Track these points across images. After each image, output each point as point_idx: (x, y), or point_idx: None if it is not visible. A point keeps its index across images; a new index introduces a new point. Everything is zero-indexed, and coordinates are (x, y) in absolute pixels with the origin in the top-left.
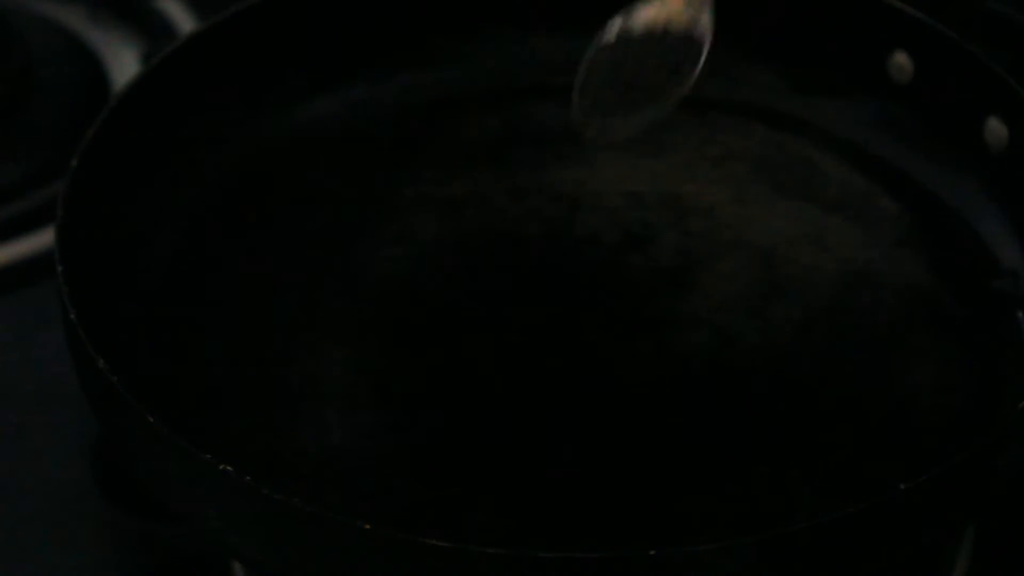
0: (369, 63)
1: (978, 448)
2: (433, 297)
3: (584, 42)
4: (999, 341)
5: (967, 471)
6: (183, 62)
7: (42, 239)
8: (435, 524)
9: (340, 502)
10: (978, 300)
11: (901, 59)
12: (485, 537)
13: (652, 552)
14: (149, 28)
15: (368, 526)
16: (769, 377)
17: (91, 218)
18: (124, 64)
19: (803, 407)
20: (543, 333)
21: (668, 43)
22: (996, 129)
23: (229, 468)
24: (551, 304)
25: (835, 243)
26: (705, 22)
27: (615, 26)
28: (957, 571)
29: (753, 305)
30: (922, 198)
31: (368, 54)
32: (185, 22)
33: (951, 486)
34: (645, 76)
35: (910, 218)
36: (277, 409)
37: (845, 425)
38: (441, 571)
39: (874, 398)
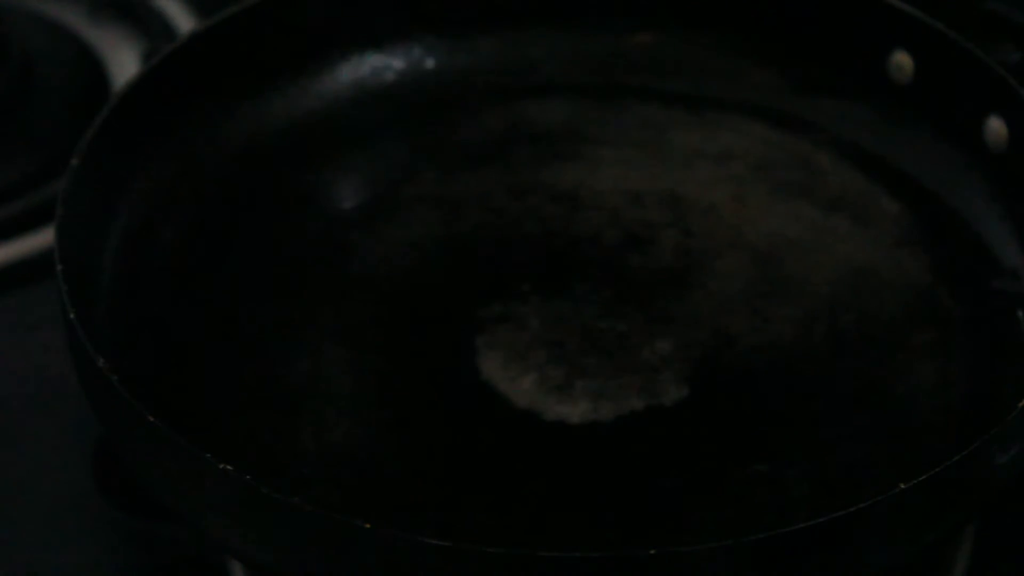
0: (368, 63)
1: (978, 448)
2: (433, 297)
3: (584, 42)
4: (999, 341)
5: (967, 471)
6: (183, 62)
7: (42, 239)
8: (435, 524)
9: (340, 502)
10: (978, 300)
11: (901, 59)
12: (485, 537)
13: (652, 552)
14: (149, 28)
15: (368, 526)
16: (769, 377)
17: (90, 217)
18: (124, 64)
19: (803, 407)
20: (543, 333)
21: None
22: (996, 129)
23: (229, 468)
24: (551, 303)
25: (835, 243)
26: None
27: None
28: (957, 571)
29: (753, 305)
30: (922, 198)
31: (367, 54)
32: (185, 22)
33: (951, 486)
34: None
35: (910, 218)
36: (277, 409)
37: (845, 425)
38: (441, 571)
39: (874, 398)
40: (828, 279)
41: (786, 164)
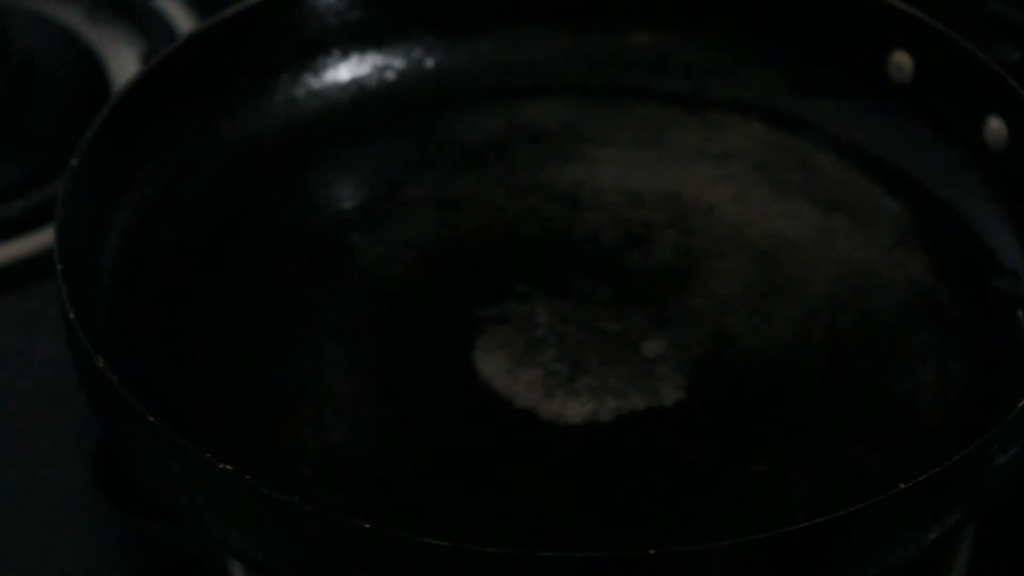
0: (367, 63)
1: (978, 447)
2: (433, 297)
3: (584, 42)
4: (999, 341)
5: (967, 471)
6: (183, 62)
7: (42, 239)
8: (435, 524)
9: (340, 502)
10: (978, 300)
11: (901, 59)
12: (485, 537)
13: (652, 552)
14: (149, 28)
15: (368, 526)
16: (769, 377)
17: (90, 217)
18: (124, 63)
19: (803, 407)
20: (543, 333)
21: None
22: (996, 129)
23: (229, 468)
24: (551, 303)
25: (835, 243)
26: None
27: None
28: (957, 571)
29: (753, 305)
30: (922, 198)
31: (366, 55)
32: (185, 22)
33: (951, 486)
34: None
35: (910, 218)
36: (277, 409)
37: (845, 425)
38: (441, 571)
39: (874, 398)
40: (828, 279)
41: (786, 164)
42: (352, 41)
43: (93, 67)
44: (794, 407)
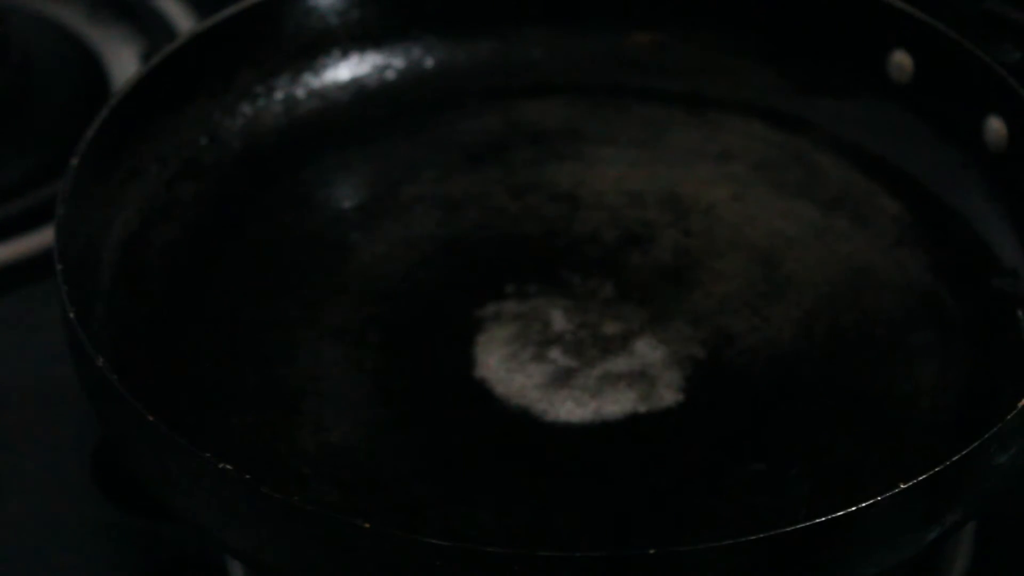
0: (367, 63)
1: (978, 448)
2: (432, 297)
3: (584, 42)
4: (999, 341)
5: (967, 471)
6: (183, 61)
7: (42, 238)
8: (435, 524)
9: (340, 502)
10: (978, 300)
11: (901, 59)
12: (485, 537)
13: (652, 552)
14: (148, 27)
15: (368, 526)
16: (769, 377)
17: (90, 217)
18: (123, 63)
19: (803, 407)
20: (542, 332)
21: None
22: (996, 129)
23: (229, 468)
24: (551, 303)
25: (835, 243)
26: None
27: None
28: (957, 571)
29: (753, 305)
30: (922, 198)
31: (366, 55)
32: (185, 22)
33: (951, 486)
34: None
35: (910, 218)
36: (277, 409)
37: (845, 425)
38: (441, 571)
39: (874, 397)
40: (828, 279)
41: (786, 164)
42: (352, 41)
43: (93, 67)
44: (794, 407)
